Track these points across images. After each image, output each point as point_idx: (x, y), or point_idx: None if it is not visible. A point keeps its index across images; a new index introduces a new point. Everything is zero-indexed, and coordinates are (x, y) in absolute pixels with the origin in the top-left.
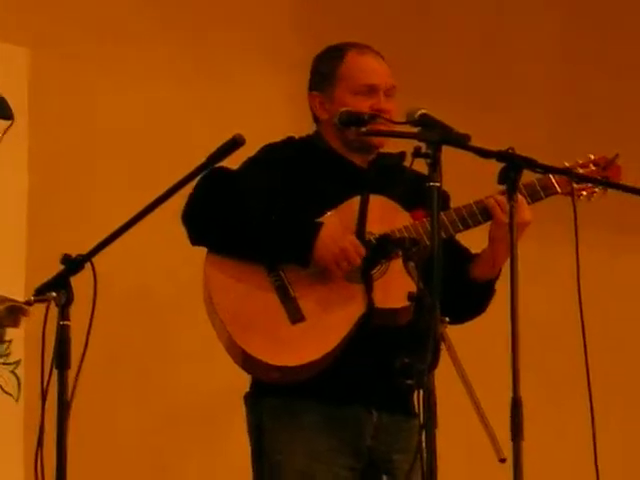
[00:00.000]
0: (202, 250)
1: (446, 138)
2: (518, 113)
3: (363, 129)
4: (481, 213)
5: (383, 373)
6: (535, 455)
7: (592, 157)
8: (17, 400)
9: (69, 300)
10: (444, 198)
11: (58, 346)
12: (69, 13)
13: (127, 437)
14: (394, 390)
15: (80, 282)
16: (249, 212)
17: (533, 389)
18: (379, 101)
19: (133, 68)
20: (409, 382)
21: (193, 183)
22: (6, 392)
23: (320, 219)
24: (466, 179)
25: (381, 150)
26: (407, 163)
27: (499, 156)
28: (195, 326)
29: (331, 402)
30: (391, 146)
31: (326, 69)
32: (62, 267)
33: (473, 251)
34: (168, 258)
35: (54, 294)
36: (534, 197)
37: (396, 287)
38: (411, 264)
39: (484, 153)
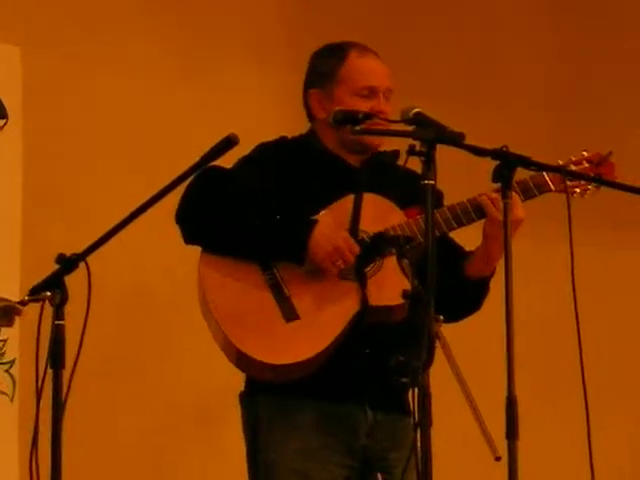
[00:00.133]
0: (197, 249)
1: (440, 136)
2: (513, 111)
3: (357, 128)
4: (474, 211)
5: (378, 371)
6: (530, 454)
7: (585, 154)
8: (12, 400)
9: (64, 299)
10: (437, 196)
11: (53, 345)
12: (63, 12)
13: (122, 437)
14: (389, 388)
15: (75, 281)
16: (243, 211)
17: (528, 387)
18: (379, 103)
19: (127, 67)
20: (404, 380)
21: (187, 182)
22: (1, 391)
23: (314, 217)
24: (460, 177)
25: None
26: (401, 162)
27: (493, 154)
28: (190, 325)
29: (326, 400)
30: (386, 145)
31: (326, 68)
32: (57, 266)
33: (467, 249)
34: (163, 257)
35: (49, 293)
36: (527, 194)
37: (390, 285)
38: (405, 261)
39: (478, 151)
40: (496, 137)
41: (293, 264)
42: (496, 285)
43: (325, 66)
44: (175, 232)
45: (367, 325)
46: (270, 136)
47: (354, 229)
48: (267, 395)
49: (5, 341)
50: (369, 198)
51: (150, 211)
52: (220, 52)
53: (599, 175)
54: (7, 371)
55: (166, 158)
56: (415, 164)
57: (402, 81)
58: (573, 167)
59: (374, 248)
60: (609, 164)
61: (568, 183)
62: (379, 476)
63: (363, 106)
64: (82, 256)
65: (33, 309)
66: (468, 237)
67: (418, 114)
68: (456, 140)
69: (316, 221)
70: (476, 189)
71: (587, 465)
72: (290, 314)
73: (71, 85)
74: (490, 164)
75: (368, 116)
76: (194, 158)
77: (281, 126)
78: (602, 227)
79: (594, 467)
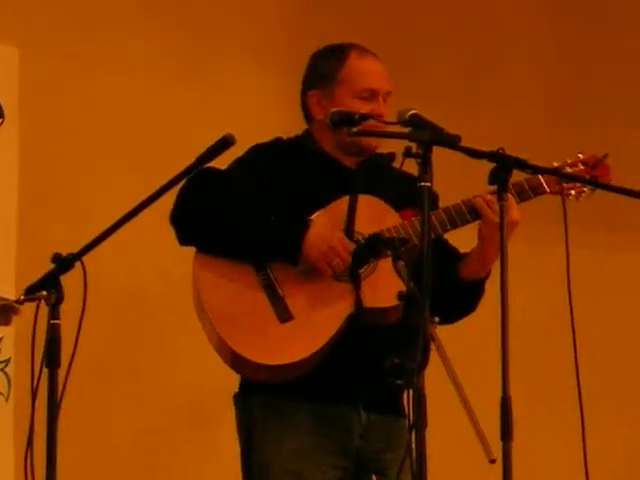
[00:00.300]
0: (193, 249)
1: (436, 138)
2: (511, 111)
3: (354, 129)
4: (469, 212)
5: (372, 372)
6: (525, 455)
7: (581, 156)
8: (7, 399)
9: (59, 299)
10: (433, 198)
11: (48, 345)
12: (61, 13)
13: (117, 436)
14: (383, 390)
15: (70, 281)
16: (237, 212)
17: (523, 389)
18: (379, 105)
19: (125, 68)
20: (399, 382)
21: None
22: None
23: (309, 218)
24: (456, 179)
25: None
26: (397, 164)
27: (489, 156)
28: (186, 326)
29: (320, 401)
30: (383, 147)
31: (326, 69)
32: (52, 266)
33: (462, 250)
34: (159, 257)
35: (44, 293)
36: (523, 196)
37: (385, 286)
38: (401, 263)
39: (474, 153)
40: (495, 138)
41: (287, 264)
42: (491, 287)
43: (325, 67)
44: (171, 233)
45: (361, 326)
46: (270, 136)
47: (349, 230)
48: (261, 396)
49: (0, 340)
50: (364, 200)
51: (146, 211)
52: (220, 52)
53: (595, 177)
54: (2, 370)
55: (165, 158)
56: (411, 166)
57: (401, 81)
58: (569, 169)
59: (369, 249)
60: (605, 166)
61: (563, 185)
62: (373, 477)
63: (363, 108)
64: (78, 256)
65: (29, 308)
66: (463, 239)
67: (414, 116)
68: (452, 142)
69: (310, 221)
70: (472, 191)
71: (582, 467)
72: (284, 315)
73: (68, 85)
74: (486, 166)
75: (364, 117)
76: (193, 158)
77: (280, 126)
78: (597, 229)
79: (589, 469)
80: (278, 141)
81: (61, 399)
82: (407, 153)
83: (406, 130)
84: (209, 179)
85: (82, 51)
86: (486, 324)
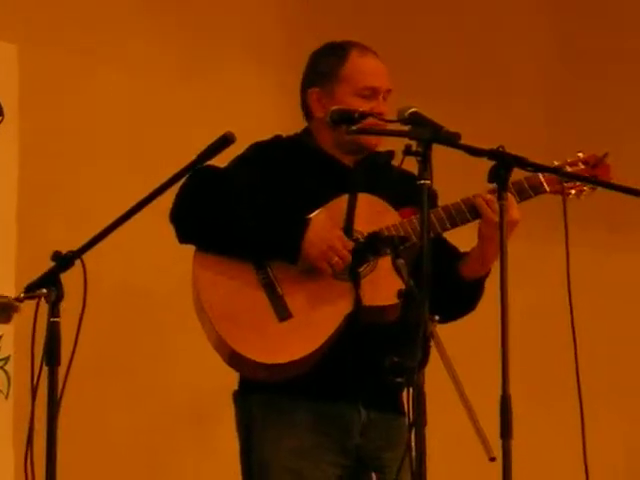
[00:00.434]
0: (193, 247)
1: (436, 136)
2: (511, 111)
3: (353, 127)
4: (469, 211)
5: (372, 371)
6: (524, 453)
7: (581, 155)
8: (7, 397)
9: (59, 297)
10: (432, 196)
11: (48, 343)
12: (61, 10)
13: (117, 434)
14: (383, 388)
15: (70, 279)
16: (236, 210)
17: (523, 387)
18: (379, 104)
19: (126, 66)
20: (399, 380)
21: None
22: None
23: (308, 216)
24: (456, 177)
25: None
26: (396, 162)
27: (489, 154)
28: (185, 324)
29: (319, 399)
30: (383, 145)
31: (326, 67)
32: (52, 264)
33: (462, 249)
34: (159, 255)
35: (44, 291)
36: (522, 196)
37: (384, 285)
38: (400, 261)
39: (474, 151)
40: (495, 137)
41: (287, 263)
42: (491, 285)
43: (325, 65)
44: (171, 231)
45: (361, 325)
46: (269, 135)
47: (348, 229)
48: (261, 394)
49: (0, 338)
50: (363, 198)
51: (146, 209)
52: (220, 51)
53: (595, 177)
54: (2, 368)
55: (165, 157)
56: (411, 164)
57: (401, 81)
58: (569, 168)
59: (369, 248)
60: (605, 166)
61: (564, 184)
62: (373, 475)
63: (363, 106)
64: (78, 254)
65: (29, 306)
66: (463, 237)
67: (414, 114)
68: (452, 140)
69: (310, 220)
70: (472, 189)
71: (581, 465)
72: (283, 313)
73: (69, 83)
74: (486, 164)
75: (364, 115)
76: (193, 156)
77: (280, 125)
78: (598, 229)
79: (588, 467)
80: (277, 139)
81: (61, 397)
82: (407, 151)
83: (406, 128)
84: (209, 177)
85: (82, 48)
86: (486, 322)
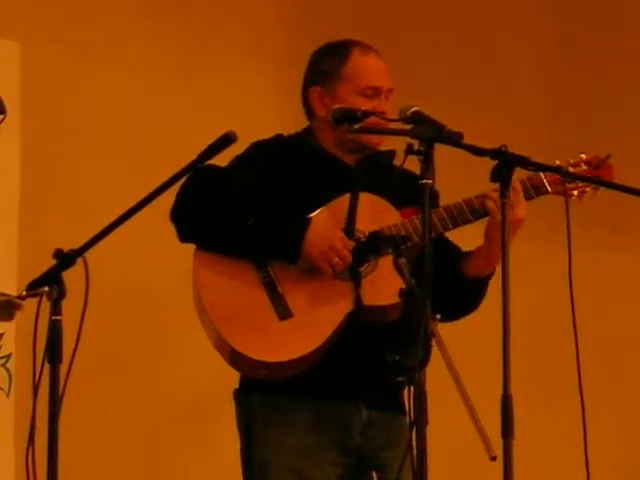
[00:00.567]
0: (194, 247)
1: (438, 135)
2: (512, 111)
3: (355, 126)
4: (471, 211)
5: (372, 370)
6: (526, 452)
7: (584, 156)
8: (8, 394)
9: (61, 295)
10: (434, 196)
11: (50, 341)
12: (61, 8)
13: (117, 432)
14: (383, 387)
15: (72, 277)
16: (237, 210)
17: (524, 387)
18: (381, 103)
19: (126, 65)
20: (400, 379)
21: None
22: None
23: (309, 216)
24: (458, 176)
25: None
26: (398, 161)
27: (491, 153)
28: (186, 323)
29: (320, 399)
30: (385, 144)
31: (328, 66)
32: (54, 262)
33: (464, 248)
34: (160, 254)
35: (46, 289)
36: (525, 196)
37: (385, 285)
38: (402, 260)
39: (476, 150)
40: (495, 138)
41: (287, 263)
42: (493, 285)
43: (327, 64)
44: (172, 230)
45: (361, 324)
46: (270, 134)
47: (350, 228)
48: (261, 393)
49: (2, 335)
50: (365, 198)
51: (148, 208)
52: (220, 51)
53: (597, 177)
54: (3, 365)
55: (165, 156)
56: (413, 163)
57: (402, 80)
58: (571, 169)
59: (370, 247)
60: (607, 167)
61: (566, 185)
62: (374, 474)
63: (365, 105)
64: (80, 252)
65: (30, 304)
66: (466, 237)
67: (416, 113)
68: (454, 139)
69: (310, 220)
70: (473, 189)
71: (583, 464)
72: (284, 312)
73: (70, 82)
74: (488, 164)
75: (366, 114)
76: (193, 156)
77: (280, 125)
78: (600, 229)
79: (589, 466)
80: (278, 138)
81: (62, 395)
82: (409, 150)
83: (408, 127)
84: (209, 176)
85: (84, 46)
86: (488, 322)
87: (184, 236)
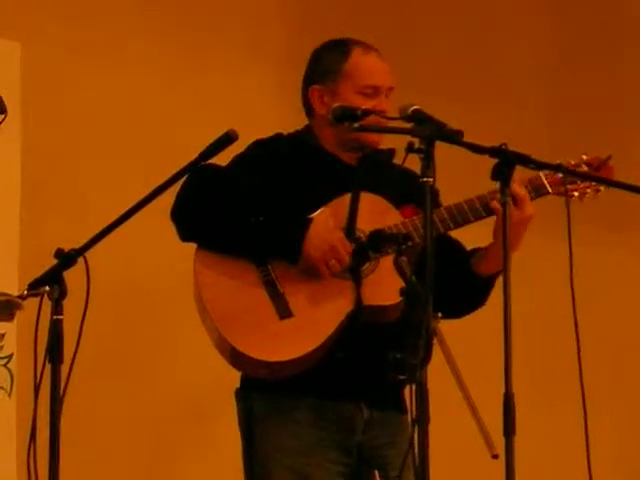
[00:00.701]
0: (194, 246)
1: (439, 133)
2: (512, 111)
3: (356, 125)
4: (472, 211)
5: (374, 369)
6: (527, 450)
7: (585, 157)
8: (10, 394)
9: (62, 294)
10: (434, 194)
11: (51, 340)
12: (61, 8)
13: (118, 432)
14: (385, 386)
15: (73, 277)
16: (237, 209)
17: (526, 385)
18: (381, 102)
19: (127, 64)
20: (401, 377)
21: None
22: None
23: (310, 215)
24: (458, 175)
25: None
26: (398, 160)
27: (492, 152)
28: (187, 322)
29: (321, 398)
30: (384, 142)
31: (329, 64)
32: (55, 261)
33: (468, 245)
34: (161, 253)
35: (47, 288)
36: None
37: (385, 284)
38: (404, 259)
39: (477, 149)
40: (495, 138)
41: (288, 263)
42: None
43: (328, 62)
44: (172, 229)
45: (362, 324)
46: (270, 133)
47: (350, 228)
48: (262, 392)
49: (3, 335)
50: (366, 197)
51: (149, 207)
52: (220, 51)
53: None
54: (5, 365)
55: (165, 156)
56: (413, 162)
57: (402, 80)
58: None
59: (372, 245)
60: (608, 168)
61: (567, 187)
62: (376, 473)
63: (366, 104)
64: (81, 251)
65: (31, 304)
66: (466, 236)
67: (417, 111)
68: (455, 137)
69: (311, 220)
70: (474, 187)
71: (584, 462)
72: (284, 311)
73: (70, 82)
74: (488, 162)
75: (367, 113)
76: (193, 155)
77: (280, 124)
78: (600, 226)
79: (592, 464)
80: (278, 137)
81: (63, 394)
82: (409, 148)
83: (408, 125)
84: (210, 175)
85: (84, 46)
86: (489, 320)
87: (184, 235)
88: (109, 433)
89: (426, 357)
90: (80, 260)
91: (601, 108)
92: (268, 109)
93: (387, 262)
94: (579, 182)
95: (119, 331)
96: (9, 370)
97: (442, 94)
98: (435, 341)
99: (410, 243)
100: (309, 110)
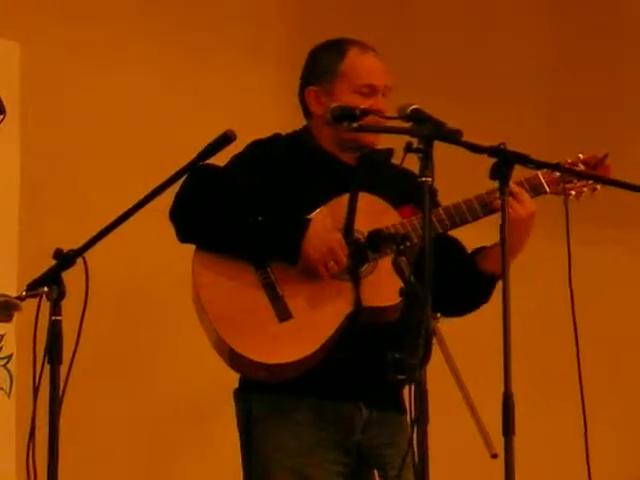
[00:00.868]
0: (193, 247)
1: (438, 133)
2: (511, 111)
3: (354, 124)
4: (470, 212)
5: (373, 370)
6: (527, 451)
7: (581, 156)
8: (9, 395)
9: (61, 295)
10: (432, 194)
11: (50, 341)
12: (61, 8)
13: (118, 432)
14: (384, 387)
15: (72, 277)
16: (236, 210)
17: (525, 384)
18: (377, 101)
19: (126, 65)
20: (400, 377)
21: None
22: None
23: (309, 216)
24: (457, 174)
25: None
26: (397, 159)
27: (490, 151)
28: (186, 322)
29: (320, 398)
30: (383, 142)
31: (325, 64)
32: (54, 262)
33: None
34: (160, 254)
35: (46, 289)
36: None
37: (384, 285)
38: (403, 259)
39: (476, 148)
40: (495, 138)
41: (287, 264)
42: None
43: (324, 63)
44: (171, 229)
45: (361, 325)
46: (269, 133)
47: (348, 228)
48: (261, 393)
49: (2, 336)
50: (364, 197)
51: (147, 207)
52: (220, 51)
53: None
54: (4, 366)
55: (165, 156)
56: (412, 162)
57: (402, 79)
58: None
59: (370, 245)
60: (605, 166)
61: (564, 185)
62: (375, 473)
63: (362, 104)
64: (79, 252)
65: (30, 304)
66: (466, 236)
67: (415, 111)
68: (453, 137)
69: (309, 220)
70: (473, 187)
71: (583, 462)
72: (283, 314)
73: (70, 82)
74: (487, 162)
75: (365, 113)
76: (193, 155)
77: (280, 124)
78: (598, 224)
79: (591, 463)
80: (276, 137)
81: (63, 395)
82: (408, 148)
83: (407, 125)
84: (208, 176)
85: (84, 46)
86: (488, 319)
87: (183, 236)
88: (108, 433)
89: (425, 357)
90: (79, 261)
91: (601, 108)
92: (268, 109)
93: (386, 263)
94: (576, 181)
95: (118, 332)
96: (8, 371)
97: (442, 94)
98: (434, 341)
99: (408, 243)
100: (306, 111)
